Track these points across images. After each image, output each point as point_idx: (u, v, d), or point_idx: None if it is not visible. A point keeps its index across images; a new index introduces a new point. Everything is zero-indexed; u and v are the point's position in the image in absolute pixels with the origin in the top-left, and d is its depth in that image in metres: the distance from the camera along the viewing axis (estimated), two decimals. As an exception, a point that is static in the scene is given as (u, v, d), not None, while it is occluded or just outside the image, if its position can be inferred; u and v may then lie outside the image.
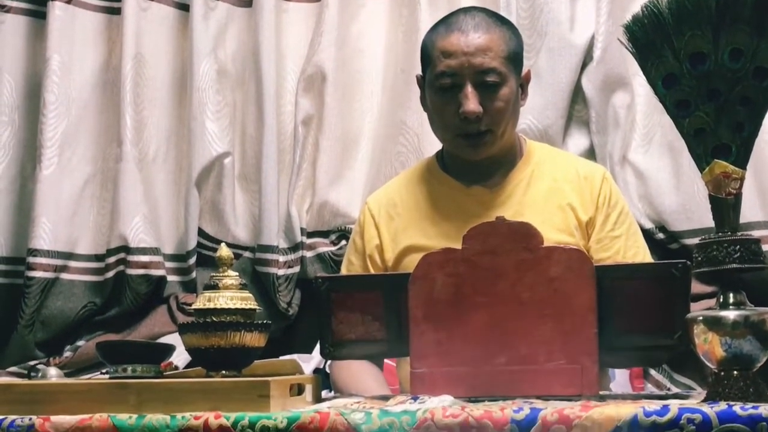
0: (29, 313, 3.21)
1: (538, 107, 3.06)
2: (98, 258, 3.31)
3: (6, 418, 1.48)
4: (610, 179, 2.31)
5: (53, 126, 3.27)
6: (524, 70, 2.28)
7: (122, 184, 3.25)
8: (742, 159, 1.48)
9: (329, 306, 1.74)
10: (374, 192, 2.50)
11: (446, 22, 2.23)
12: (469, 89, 2.16)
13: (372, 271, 2.30)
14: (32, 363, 3.16)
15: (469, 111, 2.15)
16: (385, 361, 2.45)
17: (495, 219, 1.66)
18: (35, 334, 3.23)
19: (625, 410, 1.33)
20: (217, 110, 3.29)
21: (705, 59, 1.49)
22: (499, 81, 2.17)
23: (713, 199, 1.50)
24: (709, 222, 1.53)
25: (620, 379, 2.81)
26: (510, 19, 2.80)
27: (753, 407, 1.30)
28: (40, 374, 1.84)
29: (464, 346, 1.62)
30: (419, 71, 2.30)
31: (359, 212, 2.46)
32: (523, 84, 2.27)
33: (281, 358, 2.66)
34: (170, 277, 3.29)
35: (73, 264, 3.29)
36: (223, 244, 1.71)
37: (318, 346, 2.88)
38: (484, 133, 2.19)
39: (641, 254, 2.26)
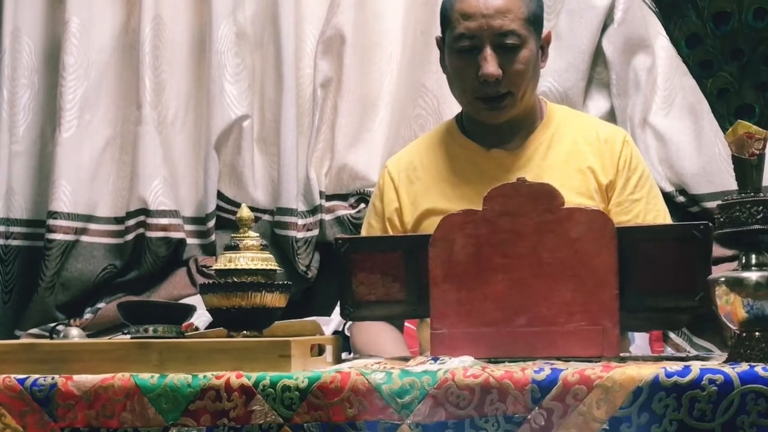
0: (50, 275, 3.23)
1: (558, 69, 3.04)
2: (118, 221, 3.32)
3: (29, 377, 1.50)
4: (630, 142, 2.30)
5: (73, 89, 3.27)
6: (544, 32, 2.26)
7: (141, 147, 3.25)
8: (766, 119, 1.47)
9: (349, 267, 1.74)
10: (394, 155, 2.50)
11: (465, -16, 2.22)
12: (489, 52, 2.15)
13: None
14: (53, 324, 3.18)
15: (489, 74, 2.14)
16: (406, 324, 2.46)
17: (516, 180, 1.66)
18: (56, 296, 3.24)
19: (646, 371, 1.33)
20: (236, 73, 3.28)
21: (729, 18, 1.47)
22: (518, 43, 2.16)
23: (736, 160, 1.49)
24: (729, 185, 1.53)
25: (640, 342, 2.81)
26: (530, -19, 2.79)
27: (775, 368, 1.30)
28: (62, 334, 1.85)
29: (484, 307, 1.62)
30: (439, 33, 2.29)
31: (379, 176, 2.45)
32: (543, 46, 2.26)
33: (302, 319, 2.68)
34: (189, 240, 3.30)
35: (92, 226, 3.30)
36: (243, 205, 1.71)
37: (337, 309, 2.89)
38: (504, 95, 2.18)
39: (661, 217, 2.26)
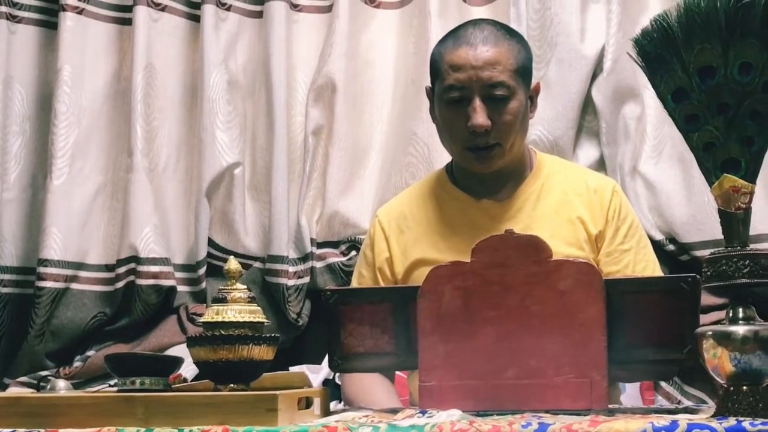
0: (39, 323, 3.21)
1: (548, 118, 3.06)
2: (108, 268, 3.31)
3: (15, 431, 1.49)
4: (620, 192, 2.31)
5: (64, 136, 3.26)
6: (534, 82, 2.28)
7: (133, 195, 3.25)
8: (751, 173, 1.48)
9: (338, 318, 1.74)
10: (384, 204, 2.51)
11: (455, 35, 2.23)
12: (478, 103, 2.16)
13: (382, 284, 2.30)
14: (42, 373, 3.16)
15: (478, 125, 2.15)
16: (396, 372, 2.45)
17: (504, 232, 1.66)
18: (45, 344, 3.22)
19: (633, 425, 1.32)
20: (227, 120, 3.29)
21: (714, 73, 1.48)
22: (507, 94, 2.17)
23: (723, 214, 1.50)
24: (719, 234, 1.53)
25: (631, 391, 2.81)
26: (520, 30, 2.81)
27: (762, 423, 1.30)
28: (49, 386, 1.84)
29: (473, 360, 1.62)
30: (429, 82, 2.30)
31: (370, 225, 2.46)
32: (533, 96, 2.27)
33: (291, 369, 2.67)
34: (180, 288, 3.29)
35: (83, 274, 3.28)
36: (231, 257, 1.71)
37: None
38: (493, 146, 2.19)
39: (651, 268, 2.26)
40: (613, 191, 2.28)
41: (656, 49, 1.53)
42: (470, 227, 2.22)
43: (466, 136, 2.18)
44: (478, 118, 2.14)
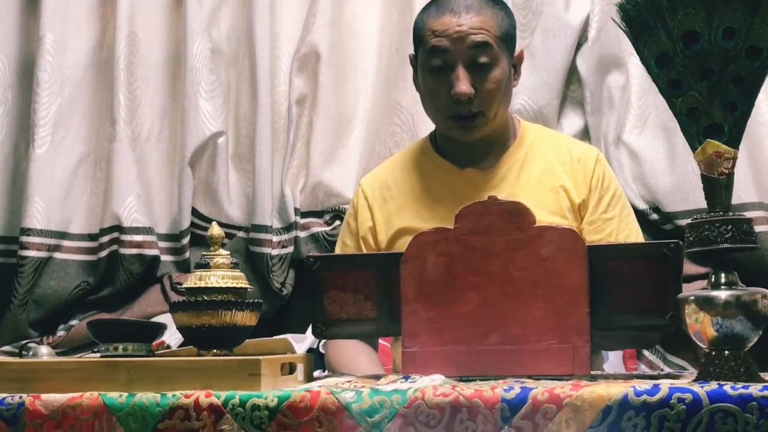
0: (22, 292, 3.21)
1: (532, 87, 3.05)
2: (92, 237, 3.30)
3: (-3, 396, 1.49)
4: (603, 161, 2.31)
5: (46, 105, 3.25)
6: (517, 50, 2.27)
7: (116, 164, 3.24)
8: (734, 139, 1.48)
9: (321, 285, 1.73)
10: (368, 174, 2.50)
11: (438, 2, 2.22)
12: (461, 70, 2.15)
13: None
14: (25, 342, 3.16)
15: (461, 92, 2.14)
16: (380, 341, 2.45)
17: (487, 198, 1.66)
18: (29, 313, 3.22)
19: (615, 389, 1.33)
20: (211, 89, 3.28)
21: (698, 38, 1.48)
22: (490, 62, 2.16)
23: (705, 179, 1.50)
24: (703, 203, 1.53)
25: (614, 359, 2.81)
26: (505, -1, 2.80)
27: (743, 387, 1.30)
28: (31, 353, 1.84)
29: (456, 326, 1.62)
30: (413, 51, 2.29)
31: (353, 194, 2.45)
32: (516, 64, 2.27)
33: (274, 337, 2.66)
34: (164, 257, 3.29)
35: (66, 243, 3.28)
36: (214, 223, 1.71)
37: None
38: (476, 114, 2.18)
39: (634, 236, 2.26)
40: (597, 160, 2.28)
41: (640, 15, 1.53)
42: (454, 196, 2.22)
43: (450, 104, 2.17)
44: (461, 85, 2.14)
